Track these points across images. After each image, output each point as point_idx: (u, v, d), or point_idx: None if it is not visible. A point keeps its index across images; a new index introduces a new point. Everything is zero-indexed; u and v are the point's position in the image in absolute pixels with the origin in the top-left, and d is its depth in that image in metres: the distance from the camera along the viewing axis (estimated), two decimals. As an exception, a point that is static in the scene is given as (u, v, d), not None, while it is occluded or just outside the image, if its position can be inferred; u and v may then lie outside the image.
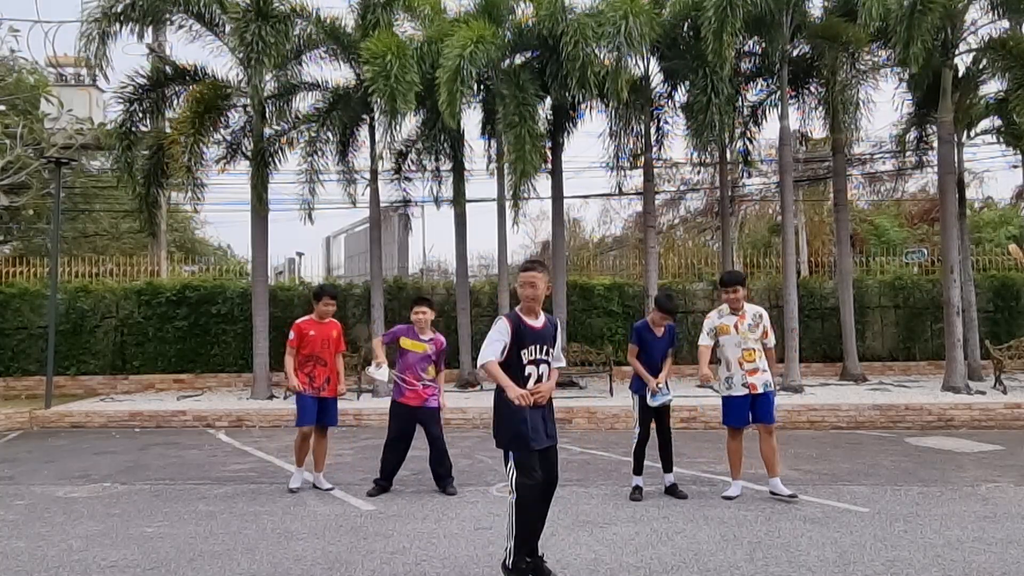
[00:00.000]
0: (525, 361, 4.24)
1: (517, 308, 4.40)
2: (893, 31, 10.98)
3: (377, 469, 6.68)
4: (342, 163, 14.01)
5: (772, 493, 6.19)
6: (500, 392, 4.20)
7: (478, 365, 4.25)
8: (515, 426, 4.15)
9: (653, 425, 6.43)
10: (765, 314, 6.36)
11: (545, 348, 4.32)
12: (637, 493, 6.23)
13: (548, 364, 4.34)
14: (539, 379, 4.29)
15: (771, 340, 6.32)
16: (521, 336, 4.24)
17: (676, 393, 11.73)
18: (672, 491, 6.38)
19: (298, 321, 6.85)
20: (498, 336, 4.21)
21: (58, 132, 12.66)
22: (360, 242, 21.51)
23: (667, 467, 6.45)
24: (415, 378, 6.53)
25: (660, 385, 6.24)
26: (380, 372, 6.68)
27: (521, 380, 4.20)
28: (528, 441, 4.14)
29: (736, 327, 6.23)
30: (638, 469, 6.33)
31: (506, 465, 4.21)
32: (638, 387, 6.38)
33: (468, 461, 7.96)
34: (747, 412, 6.22)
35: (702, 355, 6.35)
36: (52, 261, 12.84)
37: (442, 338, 6.78)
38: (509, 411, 4.15)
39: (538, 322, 4.34)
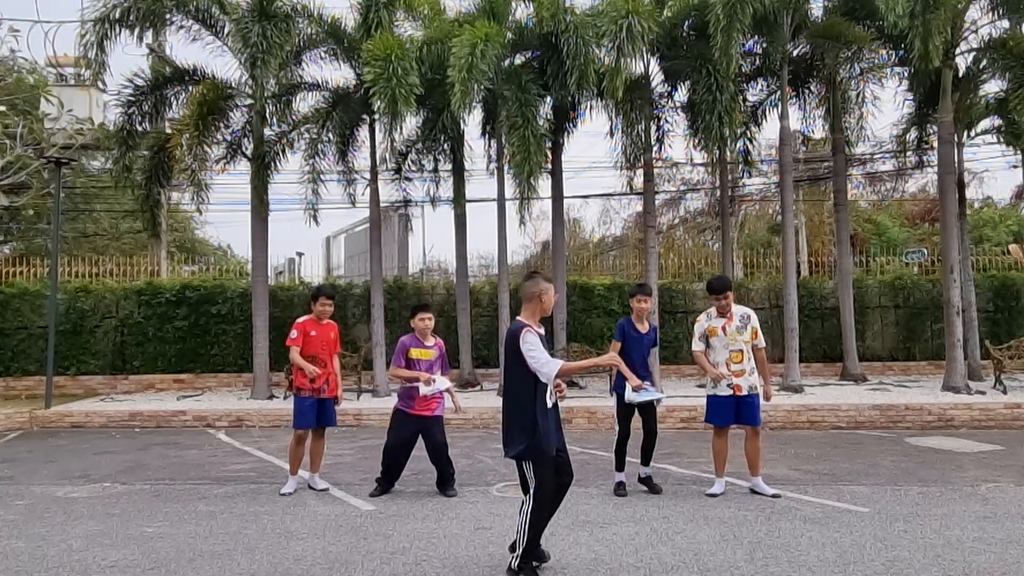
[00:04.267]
0: None
1: (531, 320, 4.42)
2: (908, 27, 10.78)
3: (377, 469, 6.67)
4: (342, 163, 14.00)
5: (752, 491, 6.33)
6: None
7: (552, 377, 4.22)
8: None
9: (638, 424, 6.48)
10: (753, 315, 6.42)
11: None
12: (621, 489, 6.35)
13: None
14: None
15: (761, 340, 6.37)
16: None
17: (676, 393, 11.74)
18: (647, 482, 6.48)
19: (299, 320, 6.83)
20: (540, 345, 4.31)
21: (58, 132, 12.60)
22: (360, 242, 21.49)
23: (645, 461, 6.53)
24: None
25: (646, 384, 6.28)
26: (440, 382, 6.42)
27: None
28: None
29: (724, 329, 6.31)
30: (620, 465, 6.42)
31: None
32: (619, 385, 6.41)
33: (468, 461, 7.96)
34: (731, 412, 6.28)
35: (700, 359, 6.43)
36: (52, 261, 12.83)
37: (440, 341, 6.82)
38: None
39: (542, 329, 4.57)
